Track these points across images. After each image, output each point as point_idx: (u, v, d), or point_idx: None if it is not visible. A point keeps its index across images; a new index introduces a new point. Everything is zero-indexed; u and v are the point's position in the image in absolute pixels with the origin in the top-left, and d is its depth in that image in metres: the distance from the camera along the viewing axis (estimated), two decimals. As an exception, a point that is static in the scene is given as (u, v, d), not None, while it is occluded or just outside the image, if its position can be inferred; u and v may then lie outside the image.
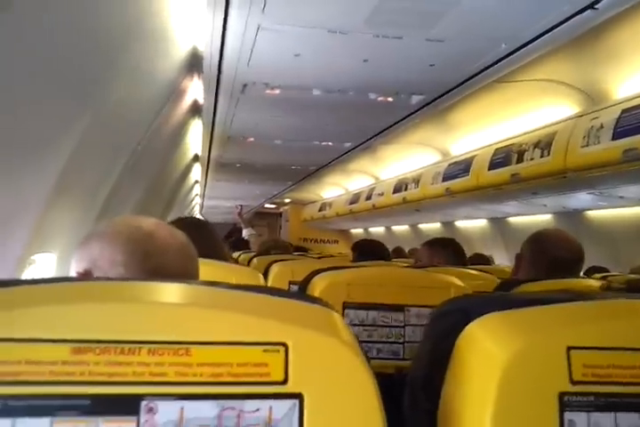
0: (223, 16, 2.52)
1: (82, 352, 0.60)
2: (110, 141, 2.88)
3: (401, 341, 1.65)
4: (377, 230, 10.55)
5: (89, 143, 2.41)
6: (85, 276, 1.06)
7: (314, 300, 0.79)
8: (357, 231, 11.94)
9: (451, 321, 0.84)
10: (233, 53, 3.09)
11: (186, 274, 1.13)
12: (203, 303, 0.68)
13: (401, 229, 9.42)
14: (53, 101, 1.94)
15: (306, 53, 3.15)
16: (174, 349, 0.62)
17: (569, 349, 0.74)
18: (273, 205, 14.27)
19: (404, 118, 4.60)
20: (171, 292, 0.72)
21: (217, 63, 3.23)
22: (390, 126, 4.92)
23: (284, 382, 0.63)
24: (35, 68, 1.69)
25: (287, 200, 12.82)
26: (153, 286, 0.72)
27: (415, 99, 4.03)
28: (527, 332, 0.78)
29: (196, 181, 10.12)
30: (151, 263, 1.07)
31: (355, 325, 1.65)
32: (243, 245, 5.82)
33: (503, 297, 0.99)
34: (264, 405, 0.63)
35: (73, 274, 1.08)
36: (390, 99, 4.02)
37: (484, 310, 0.81)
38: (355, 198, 8.66)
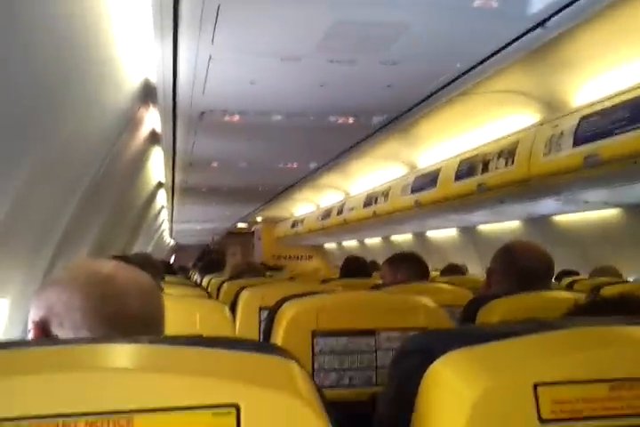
0: (172, 47, 2.49)
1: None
2: (63, 176, 2.80)
3: (373, 366, 1.62)
4: (350, 244, 10.52)
5: (37, 181, 2.31)
6: (41, 324, 1.02)
7: (271, 349, 0.75)
8: (331, 246, 11.91)
9: (414, 362, 0.81)
10: (187, 83, 3.05)
11: (149, 318, 1.08)
12: (144, 366, 0.63)
13: (374, 241, 9.41)
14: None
15: (261, 80, 3.13)
16: (115, 419, 0.57)
17: (536, 385, 0.71)
18: (245, 224, 14.19)
19: (367, 138, 4.61)
20: (109, 355, 0.67)
21: (171, 93, 3.19)
22: (354, 146, 4.92)
23: (236, 448, 0.59)
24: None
25: (259, 219, 12.76)
26: (87, 350, 0.67)
27: (376, 119, 4.04)
28: (493, 369, 0.75)
29: (163, 207, 10.02)
30: (110, 307, 1.03)
31: (325, 353, 1.61)
32: (214, 267, 5.72)
33: (466, 332, 0.96)
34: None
35: (30, 323, 1.04)
36: (351, 120, 4.03)
37: (447, 347, 0.78)
38: (326, 214, 8.64)
